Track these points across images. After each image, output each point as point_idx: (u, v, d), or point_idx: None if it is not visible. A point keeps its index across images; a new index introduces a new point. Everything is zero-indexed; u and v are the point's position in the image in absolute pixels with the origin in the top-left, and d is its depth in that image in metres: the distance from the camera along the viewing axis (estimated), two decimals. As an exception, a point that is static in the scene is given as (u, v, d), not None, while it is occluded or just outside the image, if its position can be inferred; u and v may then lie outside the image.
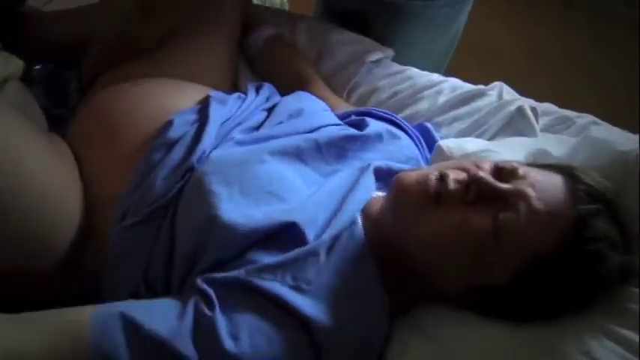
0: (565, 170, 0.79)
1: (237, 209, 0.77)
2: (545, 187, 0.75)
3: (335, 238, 0.79)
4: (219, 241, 0.76)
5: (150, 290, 0.81)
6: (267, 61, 1.21)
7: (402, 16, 1.29)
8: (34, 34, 1.16)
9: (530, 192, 0.74)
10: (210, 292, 0.72)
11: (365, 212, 0.84)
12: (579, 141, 0.94)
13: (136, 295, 0.80)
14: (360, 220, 0.83)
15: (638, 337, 0.72)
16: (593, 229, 0.73)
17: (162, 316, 0.70)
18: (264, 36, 1.21)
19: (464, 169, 0.77)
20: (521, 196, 0.73)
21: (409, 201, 0.77)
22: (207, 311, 0.70)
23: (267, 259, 0.75)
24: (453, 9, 1.35)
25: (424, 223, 0.76)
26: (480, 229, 0.73)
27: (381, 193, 0.89)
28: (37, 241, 0.80)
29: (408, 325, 0.80)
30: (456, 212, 0.74)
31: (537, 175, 0.77)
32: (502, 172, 0.77)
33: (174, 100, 0.96)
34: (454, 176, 0.76)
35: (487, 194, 0.74)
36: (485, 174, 0.75)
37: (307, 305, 0.73)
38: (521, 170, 0.77)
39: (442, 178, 0.76)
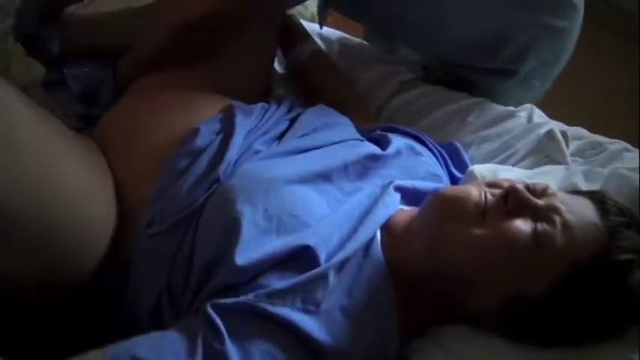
0: (593, 195, 0.82)
1: (257, 235, 0.77)
2: (574, 203, 0.79)
3: (347, 258, 0.78)
4: (231, 268, 0.75)
5: (171, 297, 0.80)
6: (308, 76, 1.22)
7: (479, 89, 1.25)
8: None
9: (562, 207, 0.76)
10: (218, 321, 0.70)
11: (387, 227, 0.84)
12: (608, 176, 0.96)
13: (159, 302, 0.80)
14: (379, 236, 0.82)
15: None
16: (626, 240, 0.76)
17: (172, 353, 0.69)
18: (308, 51, 1.22)
19: (497, 186, 0.80)
20: (554, 209, 0.76)
21: (460, 214, 0.78)
22: (216, 345, 0.69)
23: (278, 283, 0.74)
24: (526, 85, 1.26)
25: (472, 237, 0.76)
26: (522, 238, 0.75)
27: (405, 207, 0.89)
28: (72, 247, 0.79)
29: (435, 345, 0.79)
30: (500, 223, 0.76)
31: (566, 195, 0.81)
32: (534, 191, 0.79)
33: (203, 110, 0.96)
34: (490, 191, 0.79)
35: (523, 206, 0.77)
36: (521, 186, 0.78)
37: (316, 328, 0.72)
38: (551, 190, 0.80)
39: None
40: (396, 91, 1.21)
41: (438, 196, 0.81)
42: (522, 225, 0.75)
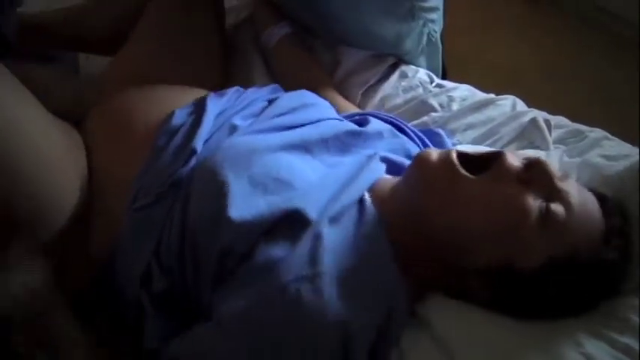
0: (597, 193, 0.84)
1: (244, 200, 0.80)
2: (585, 196, 0.80)
3: (338, 214, 0.80)
4: (228, 225, 0.78)
5: (164, 272, 0.84)
6: (278, 61, 1.23)
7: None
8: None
9: (576, 195, 0.78)
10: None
11: (374, 191, 0.86)
12: (579, 164, 0.97)
13: (147, 276, 0.84)
14: (368, 198, 0.84)
15: (638, 345, 0.74)
16: (622, 236, 0.80)
17: None
18: (277, 35, 1.22)
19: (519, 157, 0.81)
20: (572, 195, 0.77)
21: (437, 171, 0.79)
22: None
23: (277, 252, 0.76)
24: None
25: (464, 190, 0.77)
26: (528, 207, 0.75)
27: (388, 176, 0.90)
28: (31, 202, 0.84)
29: (420, 324, 0.80)
30: (508, 185, 0.76)
31: (578, 186, 0.82)
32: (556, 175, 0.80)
33: (184, 98, 1.02)
34: (512, 155, 0.79)
35: (542, 182, 0.77)
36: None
37: (327, 291, 0.73)
38: (571, 177, 0.83)
39: (499, 154, 0.79)
40: (378, 76, 1.22)
41: (415, 159, 0.82)
42: (531, 198, 0.76)
